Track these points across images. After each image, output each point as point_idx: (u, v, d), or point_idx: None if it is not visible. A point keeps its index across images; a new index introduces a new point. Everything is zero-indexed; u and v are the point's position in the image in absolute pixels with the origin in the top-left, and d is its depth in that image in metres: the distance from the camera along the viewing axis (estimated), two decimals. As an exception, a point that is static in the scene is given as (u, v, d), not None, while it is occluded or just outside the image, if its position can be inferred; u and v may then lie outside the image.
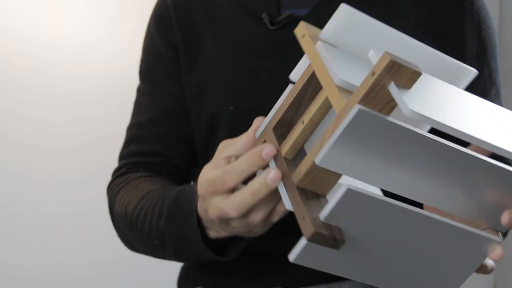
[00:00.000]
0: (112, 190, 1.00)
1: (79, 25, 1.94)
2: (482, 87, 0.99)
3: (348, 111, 0.61)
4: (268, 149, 0.71)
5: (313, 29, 0.72)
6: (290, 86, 0.74)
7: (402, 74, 0.60)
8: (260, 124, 0.76)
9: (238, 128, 0.96)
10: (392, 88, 0.61)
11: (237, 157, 0.75)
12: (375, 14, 0.88)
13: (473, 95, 0.71)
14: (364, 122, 0.61)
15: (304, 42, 0.71)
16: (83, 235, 1.94)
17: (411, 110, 0.59)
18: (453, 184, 0.67)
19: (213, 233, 0.83)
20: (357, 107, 0.60)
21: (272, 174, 0.69)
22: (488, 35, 0.99)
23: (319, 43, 0.69)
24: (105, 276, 1.96)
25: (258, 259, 0.96)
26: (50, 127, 1.93)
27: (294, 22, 0.95)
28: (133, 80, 1.08)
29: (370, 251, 0.67)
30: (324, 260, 0.66)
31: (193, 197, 0.84)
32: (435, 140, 0.63)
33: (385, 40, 0.72)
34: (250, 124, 0.95)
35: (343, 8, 0.69)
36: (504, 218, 0.70)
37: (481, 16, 0.98)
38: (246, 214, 0.74)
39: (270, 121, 0.74)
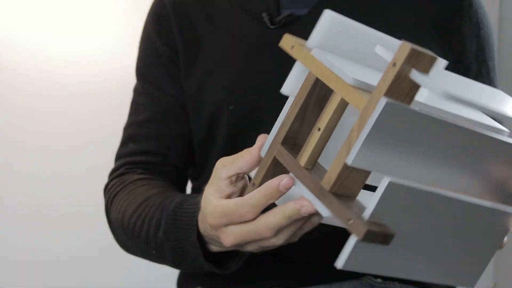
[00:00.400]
0: (109, 193, 0.99)
1: (79, 25, 1.94)
2: (480, 86, 0.99)
3: (374, 106, 0.61)
4: (285, 182, 0.69)
5: (298, 40, 0.72)
6: (291, 98, 0.73)
7: (422, 61, 0.61)
8: (265, 141, 0.73)
9: (238, 127, 0.96)
10: (415, 76, 0.61)
11: (238, 176, 0.73)
12: (374, 15, 0.88)
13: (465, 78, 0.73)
14: (392, 114, 0.61)
15: (296, 52, 0.71)
16: (83, 235, 1.94)
17: (444, 92, 0.59)
18: (478, 169, 0.68)
19: (216, 248, 0.81)
20: (383, 100, 0.60)
21: (305, 207, 0.68)
22: (487, 35, 0.99)
23: (315, 50, 0.69)
24: (105, 276, 1.96)
25: (258, 259, 0.96)
26: (49, 126, 1.93)
27: (294, 21, 0.96)
28: (131, 80, 1.07)
29: (415, 243, 0.66)
30: (372, 261, 0.65)
31: (193, 210, 0.82)
32: (460, 126, 0.64)
33: (372, 43, 0.72)
34: (250, 124, 0.95)
35: (328, 15, 0.70)
36: None
37: (479, 16, 0.98)
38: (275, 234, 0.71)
39: (276, 136, 0.73)
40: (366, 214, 0.62)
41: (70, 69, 1.93)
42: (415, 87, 0.62)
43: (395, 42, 0.73)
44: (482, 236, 0.71)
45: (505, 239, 0.74)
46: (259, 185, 0.72)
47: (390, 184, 0.61)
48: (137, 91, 1.04)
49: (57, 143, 1.94)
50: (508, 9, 2.10)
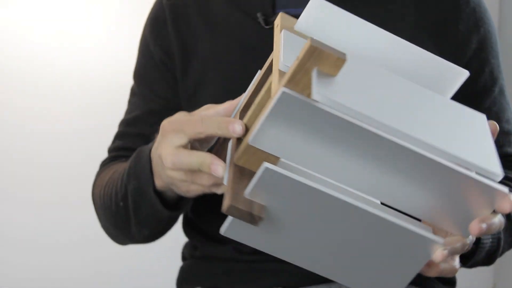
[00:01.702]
0: (99, 170, 1.05)
1: (78, 24, 1.94)
2: (481, 85, 0.99)
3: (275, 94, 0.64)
4: (237, 126, 0.71)
5: (293, 20, 0.74)
6: (258, 73, 0.76)
7: (325, 60, 0.62)
8: (238, 102, 0.78)
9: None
10: (314, 73, 0.62)
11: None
12: (372, 14, 0.88)
13: (423, 89, 0.71)
14: (290, 104, 0.63)
15: (275, 31, 0.73)
16: (82, 235, 1.94)
17: (318, 94, 0.61)
18: (395, 178, 0.66)
19: (158, 181, 0.85)
20: (282, 89, 0.62)
21: (215, 165, 0.71)
22: (488, 32, 0.98)
23: (284, 31, 0.71)
24: (104, 276, 1.96)
25: (258, 259, 0.96)
26: (48, 124, 1.93)
27: (288, 21, 0.96)
28: (129, 79, 1.09)
29: (294, 231, 0.68)
30: (251, 236, 0.69)
31: (151, 145, 0.85)
32: (369, 130, 0.64)
33: (360, 34, 0.73)
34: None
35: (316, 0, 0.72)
36: (473, 228, 0.66)
37: (478, 14, 0.98)
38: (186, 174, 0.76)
39: (240, 105, 0.77)
40: (246, 192, 0.65)
41: (70, 70, 1.93)
42: None
43: (389, 36, 0.74)
44: (391, 250, 0.69)
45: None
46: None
47: (266, 170, 0.64)
48: (132, 90, 1.08)
49: (57, 143, 1.94)
50: (508, 9, 2.10)
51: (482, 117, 0.73)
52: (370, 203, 0.70)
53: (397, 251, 0.69)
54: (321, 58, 0.62)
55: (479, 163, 0.65)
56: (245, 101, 0.77)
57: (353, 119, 0.63)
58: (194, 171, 0.75)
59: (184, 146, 0.75)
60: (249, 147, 0.68)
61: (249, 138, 0.66)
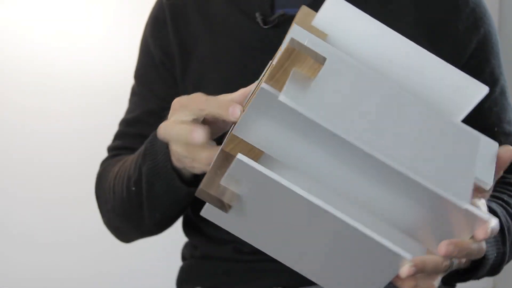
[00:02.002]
0: (102, 167, 1.05)
1: (78, 24, 1.94)
2: (481, 85, 0.98)
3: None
4: (237, 110, 0.71)
5: (313, 15, 0.75)
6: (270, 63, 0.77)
7: (302, 62, 0.63)
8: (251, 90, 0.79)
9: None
10: (291, 74, 0.63)
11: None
12: (371, 14, 0.88)
13: (417, 101, 0.70)
14: (269, 101, 0.64)
15: (292, 25, 0.74)
16: (82, 235, 1.94)
17: (285, 95, 0.62)
18: (370, 185, 0.67)
19: (173, 158, 0.84)
20: (262, 85, 0.63)
21: (195, 132, 0.72)
22: (488, 33, 0.98)
23: (295, 26, 0.72)
24: (104, 276, 1.96)
25: (258, 259, 0.96)
26: (47, 124, 1.93)
27: (287, 21, 0.96)
28: (129, 79, 1.10)
29: (265, 223, 0.70)
30: (226, 221, 0.71)
31: None
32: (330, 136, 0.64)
33: (378, 38, 0.73)
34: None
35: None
36: (441, 247, 0.65)
37: (477, 14, 0.97)
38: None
39: (251, 94, 0.79)
40: (222, 179, 0.68)
41: (71, 70, 1.93)
42: None
43: (404, 41, 0.73)
44: (362, 261, 0.69)
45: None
46: None
47: (238, 161, 0.65)
48: (132, 90, 1.08)
49: (57, 142, 1.94)
50: (508, 9, 2.10)
51: (486, 140, 0.72)
52: (346, 209, 0.69)
53: (365, 259, 0.68)
54: (299, 60, 0.63)
55: (443, 189, 0.64)
56: (256, 90, 0.78)
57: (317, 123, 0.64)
58: (193, 147, 0.75)
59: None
60: (234, 136, 0.68)
61: (234, 127, 0.67)
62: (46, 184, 1.93)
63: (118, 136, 1.07)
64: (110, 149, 1.08)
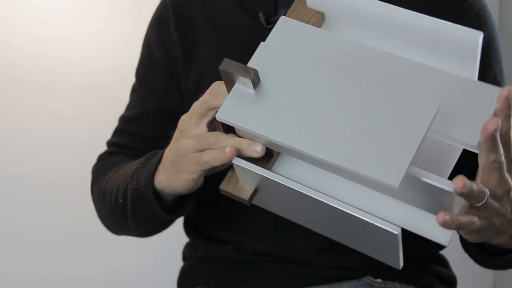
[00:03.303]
0: (98, 164, 1.08)
1: (78, 23, 1.94)
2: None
3: None
4: (232, 149, 0.75)
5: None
6: None
7: (232, 81, 0.73)
8: None
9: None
10: (232, 90, 0.73)
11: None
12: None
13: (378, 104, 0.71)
14: (240, 95, 0.73)
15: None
16: (82, 235, 1.94)
17: (222, 112, 0.72)
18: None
19: (160, 175, 0.86)
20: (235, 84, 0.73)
21: (228, 148, 0.76)
22: (491, 37, 0.97)
23: (282, 17, 0.79)
24: (105, 276, 1.96)
25: (258, 259, 0.96)
26: (47, 123, 1.94)
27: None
28: (130, 78, 1.10)
29: (281, 207, 0.81)
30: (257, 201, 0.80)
31: (163, 152, 0.88)
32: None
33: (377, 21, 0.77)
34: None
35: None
36: (439, 218, 0.66)
37: (481, 19, 0.97)
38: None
39: None
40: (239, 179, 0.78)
41: (70, 70, 1.93)
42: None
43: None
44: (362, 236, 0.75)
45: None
46: None
47: (234, 164, 0.75)
48: (133, 87, 1.09)
49: (56, 142, 1.94)
50: (508, 9, 2.10)
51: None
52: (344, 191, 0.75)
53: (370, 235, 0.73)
54: (230, 79, 0.73)
55: (374, 172, 0.66)
56: None
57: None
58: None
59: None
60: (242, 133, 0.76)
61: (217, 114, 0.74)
62: (46, 184, 1.93)
63: (117, 132, 1.09)
64: (109, 144, 1.09)
